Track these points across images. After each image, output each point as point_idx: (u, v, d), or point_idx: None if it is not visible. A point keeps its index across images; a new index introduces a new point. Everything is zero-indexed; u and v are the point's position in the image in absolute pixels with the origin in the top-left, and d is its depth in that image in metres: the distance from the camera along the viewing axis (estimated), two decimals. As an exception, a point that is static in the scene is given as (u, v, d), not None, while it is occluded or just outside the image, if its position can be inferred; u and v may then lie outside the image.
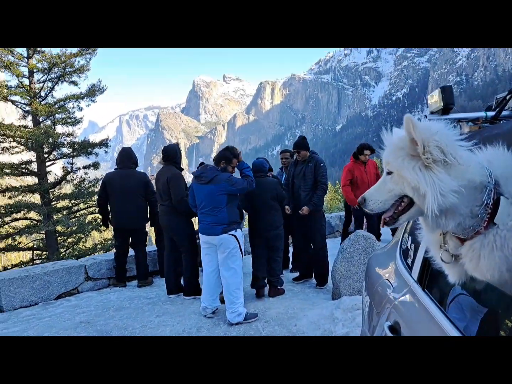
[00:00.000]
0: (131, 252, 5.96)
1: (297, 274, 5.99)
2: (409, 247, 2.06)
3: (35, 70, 14.84)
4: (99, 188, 16.20)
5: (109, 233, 17.94)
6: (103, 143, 16.19)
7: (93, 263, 5.72)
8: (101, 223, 15.08)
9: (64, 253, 15.23)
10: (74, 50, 15.26)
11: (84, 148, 15.54)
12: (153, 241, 6.76)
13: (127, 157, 5.81)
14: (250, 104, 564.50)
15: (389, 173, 1.17)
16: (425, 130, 1.07)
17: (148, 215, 6.00)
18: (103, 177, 6.22)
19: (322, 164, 5.36)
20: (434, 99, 1.74)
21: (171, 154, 5.22)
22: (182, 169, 5.46)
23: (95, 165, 16.43)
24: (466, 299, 1.34)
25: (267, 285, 5.24)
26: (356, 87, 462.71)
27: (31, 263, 15.05)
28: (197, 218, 5.11)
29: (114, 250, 6.06)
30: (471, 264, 1.11)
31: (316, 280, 5.57)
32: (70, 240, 16.15)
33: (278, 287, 5.20)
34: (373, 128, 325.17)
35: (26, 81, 14.84)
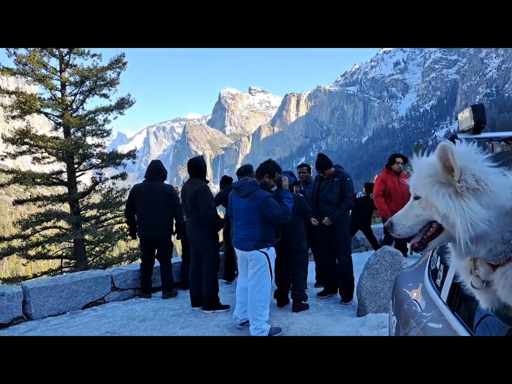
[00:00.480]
0: (157, 263, 6.02)
1: (321, 289, 5.92)
2: (438, 267, 2.01)
3: (67, 84, 15.36)
4: (126, 198, 16.54)
5: (135, 243, 18.21)
6: (131, 154, 16.55)
7: (120, 273, 5.80)
8: (127, 233, 15.43)
9: (91, 261, 15.55)
10: (105, 63, 15.76)
11: (113, 159, 15.93)
12: (178, 252, 6.81)
13: (155, 170, 5.90)
14: (275, 116, 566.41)
15: (416, 198, 1.16)
16: (464, 158, 1.06)
17: (174, 228, 6.08)
18: (130, 187, 6.34)
19: (348, 179, 5.31)
20: (465, 117, 1.70)
21: (197, 167, 5.27)
22: (208, 181, 5.50)
23: (123, 176, 16.81)
24: (493, 320, 1.30)
25: (290, 296, 5.22)
26: (383, 99, 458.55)
27: (60, 271, 15.42)
28: (221, 231, 5.09)
29: (140, 260, 6.15)
30: (504, 291, 1.08)
31: (341, 295, 5.49)
32: (97, 249, 16.49)
33: (302, 302, 5.15)
34: (399, 140, 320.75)
35: (58, 94, 15.38)
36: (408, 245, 1.23)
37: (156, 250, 5.92)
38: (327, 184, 5.38)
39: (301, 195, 5.52)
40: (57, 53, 15.07)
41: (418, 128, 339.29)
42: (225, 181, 7.02)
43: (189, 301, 5.35)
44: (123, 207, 16.28)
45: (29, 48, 14.60)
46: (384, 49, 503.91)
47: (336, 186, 5.29)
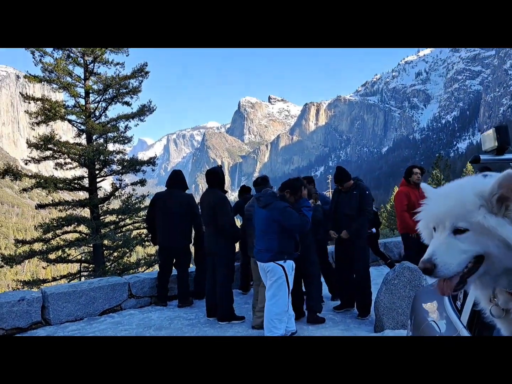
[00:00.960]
0: (174, 271, 6.05)
1: (338, 302, 5.84)
2: (458, 289, 1.97)
3: (90, 91, 15.69)
4: (145, 204, 16.66)
5: (152, 249, 18.36)
6: (151, 161, 16.76)
7: (137, 281, 5.85)
8: (145, 239, 15.57)
9: (109, 266, 15.72)
10: (128, 72, 16.06)
11: (133, 165, 16.15)
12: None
13: (176, 179, 5.95)
14: (294, 125, 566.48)
15: (458, 232, 1.07)
16: None
17: (193, 237, 6.12)
18: (150, 194, 6.41)
19: (367, 192, 5.26)
20: (489, 138, 1.68)
21: (215, 177, 5.28)
22: (226, 192, 5.51)
23: (142, 182, 17.03)
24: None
25: (304, 308, 5.18)
26: (404, 110, 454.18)
27: (79, 275, 15.65)
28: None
29: (157, 267, 6.20)
30: None
31: (358, 310, 5.41)
32: (115, 254, 16.66)
33: (318, 313, 5.08)
34: (421, 151, 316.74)
35: (82, 101, 15.71)
36: (436, 285, 1.13)
37: (174, 259, 5.96)
38: (345, 197, 5.34)
39: (318, 203, 5.49)
40: (82, 61, 15.44)
41: (440, 139, 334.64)
42: (243, 190, 7.03)
43: (205, 311, 5.35)
44: (142, 213, 16.49)
45: (55, 56, 15.03)
46: (406, 59, 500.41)
47: (355, 199, 5.24)
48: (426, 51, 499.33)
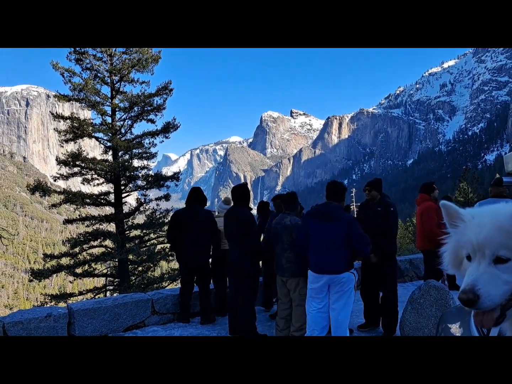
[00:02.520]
0: (196, 288, 6.06)
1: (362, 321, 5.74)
2: (485, 313, 1.91)
3: (117, 109, 16.12)
4: (169, 219, 16.82)
5: (176, 264, 18.46)
6: (175, 177, 16.99)
7: (160, 297, 5.88)
8: (169, 253, 15.71)
9: (134, 281, 15.89)
10: (153, 90, 16.44)
11: (157, 181, 16.43)
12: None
13: (196, 197, 5.99)
14: (317, 139, 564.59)
15: (500, 261, 1.03)
16: None
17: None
18: (173, 208, 6.47)
19: (392, 209, 5.16)
20: (511, 160, 1.65)
21: (242, 195, 5.24)
22: (251, 208, 5.51)
23: (166, 197, 17.24)
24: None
25: None
26: (429, 122, 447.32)
27: (104, 289, 15.87)
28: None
29: (179, 284, 6.21)
30: None
31: (383, 329, 5.30)
32: (140, 268, 16.83)
33: None
34: (447, 163, 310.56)
35: (108, 119, 16.15)
36: (474, 321, 1.06)
37: (195, 276, 5.97)
38: (370, 214, 5.27)
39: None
40: (108, 81, 15.92)
41: (467, 151, 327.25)
42: (263, 207, 7.00)
43: (227, 328, 5.34)
44: (166, 227, 16.67)
45: (83, 76, 15.56)
46: (430, 71, 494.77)
47: (379, 216, 5.16)
48: (450, 62, 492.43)
